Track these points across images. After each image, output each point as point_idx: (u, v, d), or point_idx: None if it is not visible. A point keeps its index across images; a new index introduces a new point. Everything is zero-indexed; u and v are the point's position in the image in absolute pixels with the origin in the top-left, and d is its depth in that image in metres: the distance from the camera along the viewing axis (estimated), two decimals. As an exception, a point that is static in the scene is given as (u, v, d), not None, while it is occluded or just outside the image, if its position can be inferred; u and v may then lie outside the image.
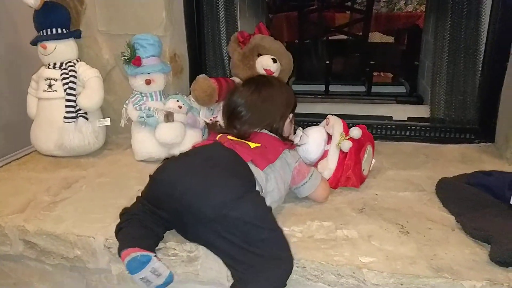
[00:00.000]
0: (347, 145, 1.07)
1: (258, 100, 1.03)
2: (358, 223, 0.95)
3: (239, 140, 0.96)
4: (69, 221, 0.99)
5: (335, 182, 1.09)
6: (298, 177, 1.00)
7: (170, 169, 0.91)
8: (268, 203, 0.89)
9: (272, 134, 1.01)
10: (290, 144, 1.03)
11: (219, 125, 1.07)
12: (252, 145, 0.95)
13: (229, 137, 0.97)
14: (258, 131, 1.00)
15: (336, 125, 1.13)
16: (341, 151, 1.09)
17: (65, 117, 1.32)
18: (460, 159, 1.29)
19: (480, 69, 1.35)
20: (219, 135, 0.99)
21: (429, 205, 1.02)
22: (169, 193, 0.84)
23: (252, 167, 0.91)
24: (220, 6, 1.50)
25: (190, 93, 1.34)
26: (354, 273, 0.81)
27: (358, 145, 1.09)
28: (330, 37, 2.99)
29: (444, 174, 1.13)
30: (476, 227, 0.89)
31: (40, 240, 0.97)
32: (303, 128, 1.15)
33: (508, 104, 1.28)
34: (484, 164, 1.24)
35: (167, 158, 1.00)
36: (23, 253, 1.00)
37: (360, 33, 2.65)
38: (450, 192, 1.04)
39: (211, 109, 1.35)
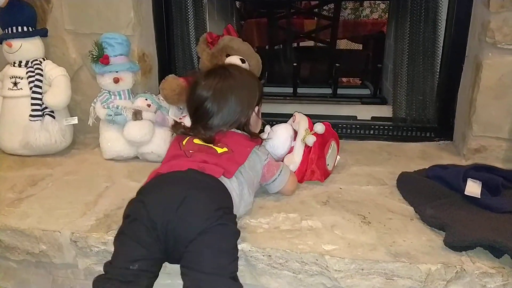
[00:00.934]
0: (311, 140, 1.10)
1: (224, 92, 0.97)
2: (322, 215, 0.98)
3: (206, 144, 0.94)
4: (34, 216, 0.98)
5: (301, 176, 1.12)
6: (268, 174, 1.02)
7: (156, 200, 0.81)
8: (241, 210, 0.93)
9: (240, 132, 1.00)
10: (258, 141, 1.01)
11: (184, 126, 1.03)
12: (219, 150, 0.93)
13: (196, 141, 0.95)
14: (225, 130, 0.98)
15: (301, 122, 1.16)
16: (306, 146, 1.12)
17: (30, 115, 1.30)
18: (421, 156, 1.35)
19: (438, 70, 1.42)
20: (186, 140, 0.96)
21: (390, 198, 1.07)
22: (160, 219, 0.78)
23: (224, 180, 0.88)
24: (189, 8, 1.52)
25: (159, 93, 1.35)
26: (317, 260, 0.84)
27: (322, 141, 1.13)
28: (299, 44, 3.05)
29: (405, 170, 1.18)
30: (433, 215, 0.94)
31: (4, 236, 0.96)
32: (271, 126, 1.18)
33: (465, 104, 1.35)
34: (443, 160, 1.30)
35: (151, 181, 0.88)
36: (-14, 250, 0.99)
37: (328, 39, 2.72)
38: (410, 185, 1.09)
39: (180, 108, 1.36)
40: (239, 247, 0.86)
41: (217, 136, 0.96)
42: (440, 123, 1.45)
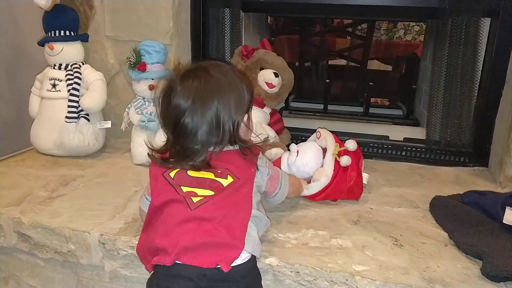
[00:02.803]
0: (346, 160, 1.08)
1: (207, 98, 0.78)
2: (352, 234, 0.96)
3: (203, 176, 0.78)
4: (65, 216, 0.99)
5: (338, 194, 1.09)
6: (271, 188, 0.92)
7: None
8: (260, 232, 0.84)
9: (231, 148, 0.83)
10: (255, 155, 0.86)
11: (161, 151, 0.84)
12: (224, 182, 0.79)
13: (190, 173, 0.79)
14: (217, 150, 0.80)
15: (328, 137, 1.15)
16: (336, 163, 1.10)
17: (66, 117, 1.33)
18: (454, 181, 1.31)
19: (476, 94, 1.39)
20: (175, 173, 0.79)
21: (422, 221, 1.04)
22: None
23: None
24: (226, 20, 1.54)
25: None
26: (347, 280, 0.81)
27: (356, 157, 1.11)
28: (329, 62, 3.06)
29: (438, 193, 1.15)
30: (469, 243, 0.90)
31: (34, 233, 0.97)
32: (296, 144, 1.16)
33: (502, 130, 1.31)
34: (478, 186, 1.26)
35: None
36: (16, 246, 1.00)
37: (359, 59, 2.72)
38: (444, 210, 1.06)
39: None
40: (267, 261, 0.84)
41: (210, 159, 0.80)
42: (475, 149, 1.41)
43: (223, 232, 0.73)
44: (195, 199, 0.76)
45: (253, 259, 0.76)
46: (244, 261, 0.74)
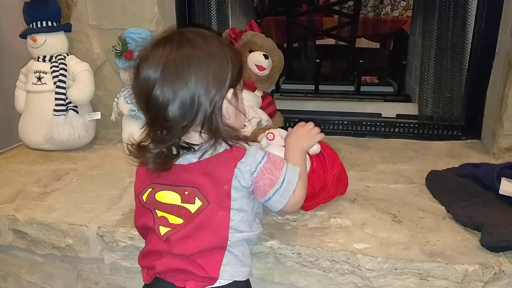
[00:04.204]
0: (315, 149, 0.93)
1: (179, 65, 0.65)
2: (351, 213, 0.96)
3: (170, 202, 0.69)
4: (60, 210, 0.98)
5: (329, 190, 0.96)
6: (259, 192, 0.72)
7: None
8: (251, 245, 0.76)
9: (209, 153, 0.69)
10: (239, 151, 0.70)
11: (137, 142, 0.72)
12: (192, 207, 0.68)
13: (158, 197, 0.71)
14: (190, 129, 0.67)
15: (282, 133, 0.93)
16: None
17: (54, 110, 1.30)
18: (448, 154, 1.32)
19: (466, 67, 1.38)
20: (147, 196, 0.72)
21: (420, 196, 1.04)
22: None
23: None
24: (211, 3, 1.51)
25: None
26: (348, 258, 0.81)
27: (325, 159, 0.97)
28: (318, 41, 3.03)
29: (433, 168, 1.15)
30: (467, 215, 0.91)
31: (30, 229, 0.96)
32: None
33: (494, 102, 1.31)
34: (472, 159, 1.26)
35: None
36: (12, 244, 0.99)
37: (347, 37, 2.70)
38: (440, 183, 1.06)
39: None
40: (268, 244, 0.84)
41: (186, 168, 0.69)
42: (468, 121, 1.41)
43: (196, 268, 0.68)
44: (163, 230, 0.70)
45: (235, 283, 0.70)
46: (223, 284, 0.69)
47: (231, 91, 0.69)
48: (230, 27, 1.56)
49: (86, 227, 0.92)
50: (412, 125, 1.46)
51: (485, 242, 0.82)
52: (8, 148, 1.41)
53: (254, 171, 0.70)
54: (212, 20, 1.53)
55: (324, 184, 0.94)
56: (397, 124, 1.47)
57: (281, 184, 0.72)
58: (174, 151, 0.70)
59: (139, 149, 0.71)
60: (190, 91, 0.65)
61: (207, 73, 0.66)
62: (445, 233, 0.88)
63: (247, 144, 0.72)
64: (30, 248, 0.98)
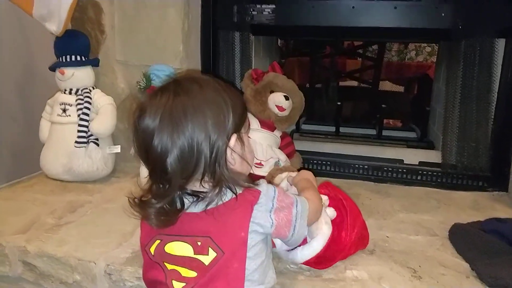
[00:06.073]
0: (331, 213, 0.90)
1: (176, 114, 0.64)
2: (368, 264, 0.92)
3: (181, 254, 0.67)
4: (71, 244, 0.97)
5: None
6: (279, 233, 0.71)
7: None
8: None
9: (220, 200, 0.66)
10: (252, 199, 0.67)
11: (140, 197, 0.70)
12: (206, 259, 0.65)
13: (167, 249, 0.68)
14: (189, 183, 0.66)
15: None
16: None
17: (76, 142, 1.32)
18: (472, 206, 1.26)
19: (492, 116, 1.35)
20: (154, 248, 0.69)
21: (441, 250, 0.99)
22: None
23: None
24: (236, 44, 1.54)
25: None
26: (363, 315, 0.77)
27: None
28: (340, 83, 3.04)
29: (456, 220, 1.10)
30: (492, 275, 0.85)
31: (40, 262, 0.94)
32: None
33: (521, 153, 1.26)
34: (497, 212, 1.21)
35: None
36: (21, 276, 0.98)
37: (371, 80, 2.70)
38: (464, 238, 1.01)
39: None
40: (279, 293, 0.80)
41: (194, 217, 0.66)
42: (494, 172, 1.36)
43: None
44: (177, 286, 0.67)
45: None
46: None
47: (234, 136, 0.68)
48: (253, 67, 1.58)
49: (95, 263, 0.90)
50: (435, 173, 1.42)
51: (512, 307, 0.77)
52: (27, 176, 1.43)
53: (272, 207, 0.68)
54: (236, 60, 1.55)
55: (343, 246, 0.90)
56: (420, 172, 1.43)
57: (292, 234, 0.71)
58: (178, 205, 0.67)
59: (141, 204, 0.69)
60: (187, 139, 0.63)
61: (205, 120, 0.64)
62: (468, 293, 0.82)
63: (256, 184, 0.70)
64: (38, 281, 0.97)
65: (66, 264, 0.92)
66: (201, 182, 0.66)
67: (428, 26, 1.36)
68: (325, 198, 0.91)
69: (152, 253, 0.70)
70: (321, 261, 0.87)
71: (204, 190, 0.66)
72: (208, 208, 0.66)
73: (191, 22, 1.44)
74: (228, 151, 0.67)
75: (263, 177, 1.13)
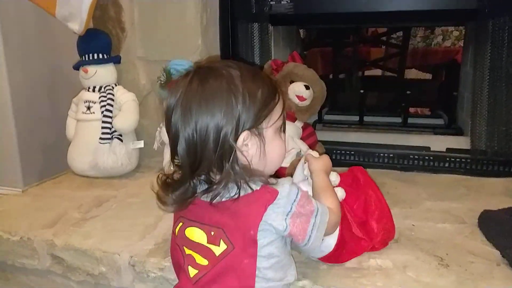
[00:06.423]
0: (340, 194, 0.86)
1: (191, 98, 0.64)
2: (392, 253, 0.89)
3: (197, 240, 0.67)
4: (96, 237, 0.99)
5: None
6: (296, 236, 0.67)
7: None
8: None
9: (243, 191, 0.64)
10: (272, 191, 0.64)
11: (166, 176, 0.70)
12: (217, 250, 0.65)
13: (187, 233, 0.69)
14: (198, 172, 0.65)
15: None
16: None
17: (100, 138, 1.35)
18: (504, 193, 1.21)
19: (524, 99, 1.29)
20: (178, 229, 0.71)
21: (470, 238, 0.96)
22: None
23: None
24: (255, 35, 1.53)
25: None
26: (388, 304, 0.75)
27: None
28: (365, 72, 2.98)
29: (487, 207, 1.06)
30: (524, 262, 0.82)
31: (67, 255, 0.97)
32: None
33: (556, 136, 1.20)
34: (531, 198, 1.16)
35: None
36: (50, 268, 1.01)
37: (396, 68, 2.63)
38: (494, 225, 0.97)
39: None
40: (300, 283, 0.80)
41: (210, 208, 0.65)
42: (527, 157, 1.31)
43: None
44: (192, 273, 0.67)
45: None
46: None
47: (245, 133, 0.63)
48: (273, 58, 1.57)
49: (119, 255, 0.92)
50: (463, 160, 1.37)
51: (546, 295, 0.73)
52: (56, 174, 1.47)
53: (290, 211, 0.64)
54: (255, 51, 1.54)
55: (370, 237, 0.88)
56: (447, 159, 1.38)
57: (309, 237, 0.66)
58: (189, 192, 0.67)
59: (164, 185, 0.70)
60: (192, 132, 0.62)
61: (213, 111, 0.62)
62: (498, 281, 0.79)
63: (274, 184, 0.66)
64: (66, 274, 1.00)
65: (92, 256, 0.95)
66: (210, 174, 0.65)
67: (453, 7, 1.31)
68: (333, 178, 0.84)
69: (176, 234, 0.71)
70: (339, 254, 0.84)
71: (215, 181, 0.65)
72: (215, 201, 0.65)
73: (210, 15, 1.45)
74: (240, 146, 0.64)
75: (284, 168, 1.12)
